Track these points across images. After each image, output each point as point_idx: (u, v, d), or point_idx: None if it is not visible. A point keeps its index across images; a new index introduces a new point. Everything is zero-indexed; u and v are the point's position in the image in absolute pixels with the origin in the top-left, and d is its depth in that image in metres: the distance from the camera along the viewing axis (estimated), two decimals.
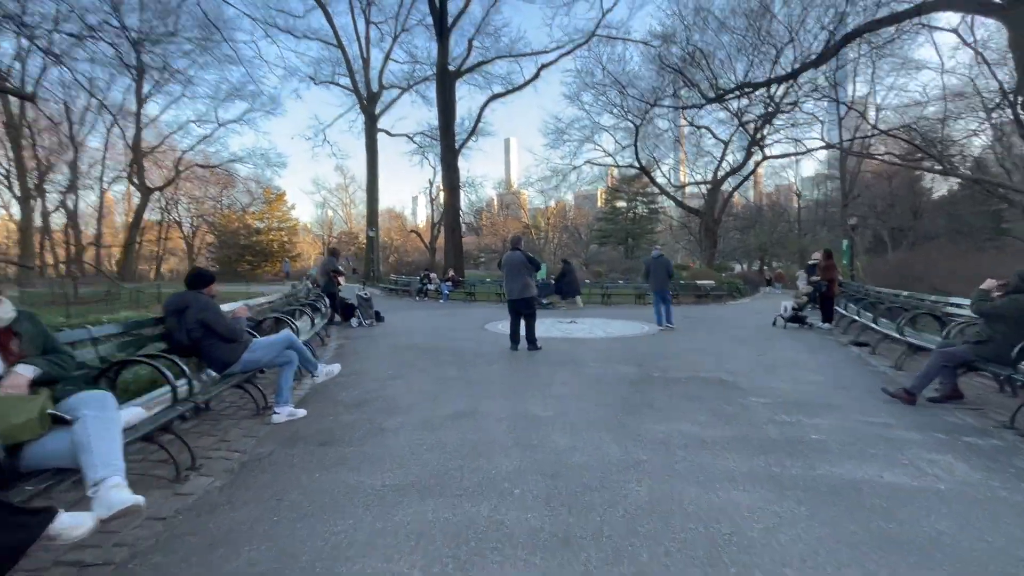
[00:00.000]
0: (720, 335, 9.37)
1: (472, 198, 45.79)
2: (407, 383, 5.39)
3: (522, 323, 7.51)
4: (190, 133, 43.06)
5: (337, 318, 11.41)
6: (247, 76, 44.15)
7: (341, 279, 11.30)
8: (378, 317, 11.49)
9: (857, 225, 23.54)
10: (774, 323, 10.88)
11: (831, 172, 47.12)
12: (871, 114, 35.22)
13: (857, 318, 8.58)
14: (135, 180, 38.59)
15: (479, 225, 58.71)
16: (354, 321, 10.82)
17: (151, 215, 47.30)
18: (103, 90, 36.04)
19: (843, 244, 19.87)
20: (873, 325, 7.35)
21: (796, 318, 10.53)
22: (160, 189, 41.53)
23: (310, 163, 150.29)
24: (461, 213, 39.45)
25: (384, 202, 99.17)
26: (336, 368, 4.73)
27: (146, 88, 37.22)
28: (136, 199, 41.11)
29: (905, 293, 7.98)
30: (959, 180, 37.51)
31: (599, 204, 66.75)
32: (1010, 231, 34.13)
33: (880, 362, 6.69)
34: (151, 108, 39.30)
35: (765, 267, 45.63)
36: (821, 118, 39.09)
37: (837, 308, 10.64)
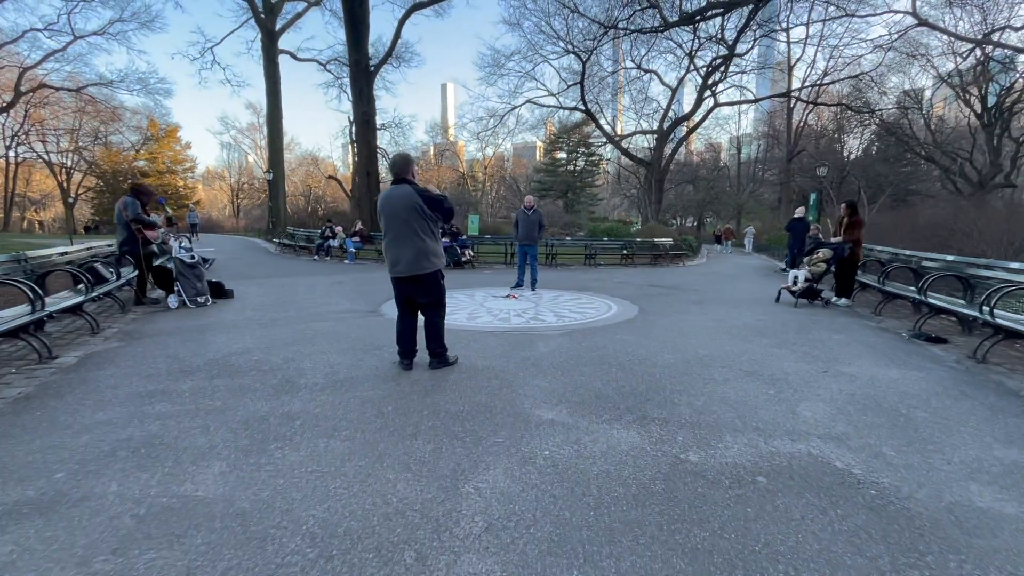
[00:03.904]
0: (720, 320, 6.45)
1: (399, 140, 40.38)
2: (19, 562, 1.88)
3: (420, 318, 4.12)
4: (39, 46, 34.43)
5: (158, 292, 7.51)
6: None
7: (152, 234, 7.25)
8: (220, 292, 7.63)
9: (825, 176, 21.58)
10: (778, 298, 8.16)
11: (765, 130, 45.83)
12: (820, 64, 33.91)
13: (920, 297, 5.87)
14: None
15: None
16: (172, 300, 6.91)
17: None
18: None
19: (811, 198, 17.76)
20: (991, 319, 4.58)
21: (808, 291, 7.85)
22: None
23: (215, 98, 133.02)
24: (382, 154, 34.56)
25: (305, 145, 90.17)
26: None
27: None
28: None
29: (1015, 264, 5.28)
30: (875, 143, 37.78)
31: (538, 157, 62.95)
32: (917, 191, 35.10)
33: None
34: None
35: (717, 224, 44.38)
36: (772, 65, 37.36)
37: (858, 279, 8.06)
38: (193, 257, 7.14)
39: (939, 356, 4.87)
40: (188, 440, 2.77)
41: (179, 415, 3.12)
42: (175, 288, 6.94)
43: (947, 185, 31.43)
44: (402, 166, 3.83)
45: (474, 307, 7.33)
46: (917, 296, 5.99)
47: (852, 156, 39.69)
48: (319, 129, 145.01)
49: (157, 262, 7.14)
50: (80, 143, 42.55)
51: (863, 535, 1.98)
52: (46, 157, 42.60)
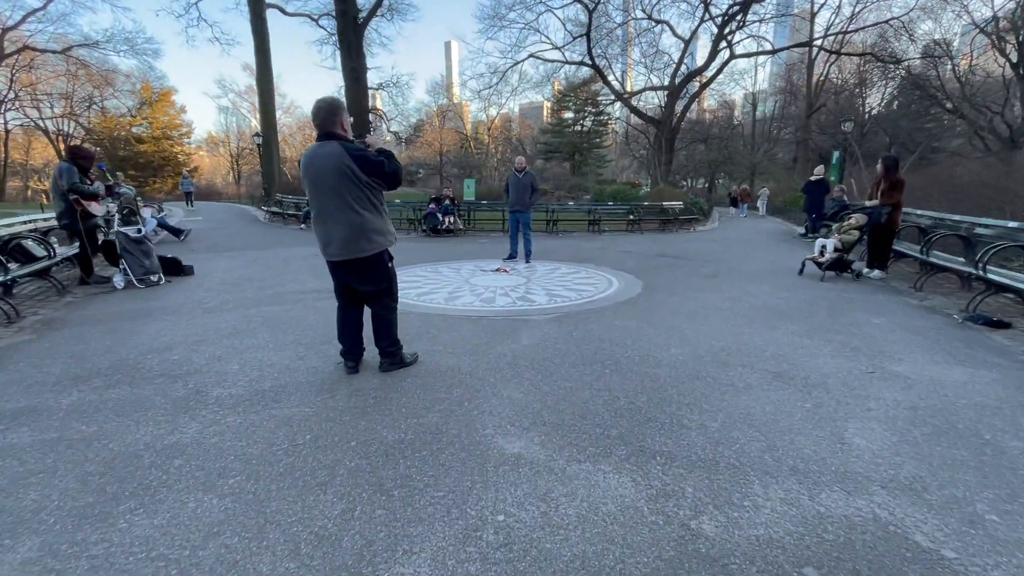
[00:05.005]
0: (737, 298, 5.58)
1: (398, 100, 38.67)
2: None
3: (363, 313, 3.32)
4: (20, 5, 32.90)
5: (111, 271, 6.76)
6: None
7: (94, 206, 6.44)
8: (176, 269, 6.87)
9: (851, 132, 20.12)
10: (801, 270, 7.26)
11: (782, 85, 43.27)
12: (846, 11, 31.66)
13: (975, 271, 4.96)
14: None
15: (409, 137, 51.45)
16: (118, 279, 6.16)
17: None
18: None
19: (834, 156, 16.48)
20: None
21: (837, 263, 6.94)
22: None
23: (212, 62, 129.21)
24: (383, 118, 33.16)
25: (306, 108, 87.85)
26: None
27: None
28: None
29: None
30: (896, 98, 35.48)
31: (545, 117, 60.63)
32: (942, 148, 33.28)
33: None
34: None
35: (730, 185, 42.62)
36: (792, 12, 34.99)
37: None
38: (140, 232, 6.34)
39: (1007, 348, 4.01)
40: (15, 496, 2.03)
41: (30, 449, 2.38)
42: (120, 266, 6.19)
43: (974, 141, 29.61)
44: (326, 116, 2.87)
45: (458, 283, 6.52)
46: (972, 270, 5.08)
47: (873, 111, 37.52)
48: (321, 91, 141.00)
49: (111, 236, 6.38)
50: (74, 109, 41.32)
51: None
52: (41, 124, 41.50)
